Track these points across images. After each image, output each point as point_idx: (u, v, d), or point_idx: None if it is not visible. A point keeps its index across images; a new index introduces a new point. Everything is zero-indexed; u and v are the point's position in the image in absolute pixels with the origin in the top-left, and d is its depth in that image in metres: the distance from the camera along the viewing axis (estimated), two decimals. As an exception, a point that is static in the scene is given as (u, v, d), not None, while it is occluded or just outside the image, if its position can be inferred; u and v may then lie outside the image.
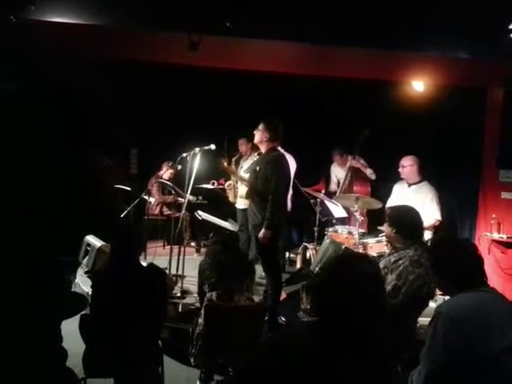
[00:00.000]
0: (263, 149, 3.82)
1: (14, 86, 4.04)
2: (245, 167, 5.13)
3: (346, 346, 1.37)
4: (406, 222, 2.82)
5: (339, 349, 1.36)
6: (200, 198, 6.04)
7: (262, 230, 3.58)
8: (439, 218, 4.24)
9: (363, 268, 1.49)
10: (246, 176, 4.00)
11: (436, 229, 4.30)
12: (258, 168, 3.74)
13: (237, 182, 5.55)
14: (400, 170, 4.46)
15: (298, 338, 1.49)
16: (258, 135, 3.78)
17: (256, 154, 5.31)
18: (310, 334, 1.48)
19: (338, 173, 5.85)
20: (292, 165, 4.52)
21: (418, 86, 4.67)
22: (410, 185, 4.44)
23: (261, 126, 3.77)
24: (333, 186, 5.90)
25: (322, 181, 6.22)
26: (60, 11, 3.30)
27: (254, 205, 3.74)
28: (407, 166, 4.40)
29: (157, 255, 5.09)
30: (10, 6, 3.22)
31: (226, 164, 4.27)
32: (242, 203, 5.47)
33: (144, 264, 2.90)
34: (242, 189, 4.98)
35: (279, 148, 3.86)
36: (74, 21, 3.32)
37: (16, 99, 4.34)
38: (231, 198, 5.75)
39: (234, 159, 5.37)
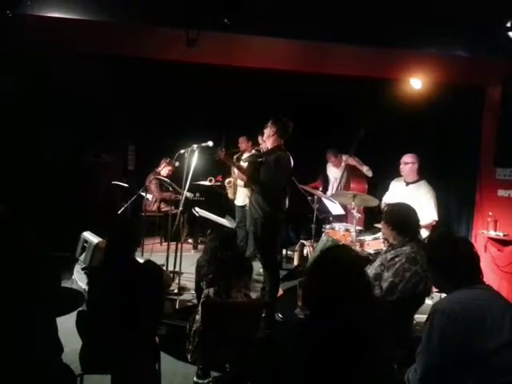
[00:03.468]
0: (269, 144, 3.80)
1: (10, 81, 4.03)
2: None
3: (335, 340, 1.38)
4: (403, 219, 2.83)
5: (329, 343, 1.38)
6: (197, 194, 6.03)
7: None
8: (436, 218, 4.25)
9: (344, 259, 1.52)
10: (245, 165, 3.99)
11: (433, 228, 4.31)
12: (261, 159, 3.73)
13: (236, 179, 5.54)
14: (401, 166, 4.46)
15: (292, 337, 1.50)
16: (266, 130, 3.80)
17: (254, 150, 5.31)
18: (301, 331, 1.49)
19: (334, 173, 5.88)
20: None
21: (416, 84, 4.67)
22: (407, 183, 4.44)
23: (269, 122, 3.78)
24: (331, 188, 5.92)
25: (319, 178, 6.24)
26: (57, 6, 3.27)
27: (254, 199, 3.74)
28: (409, 163, 4.40)
29: (154, 252, 5.09)
30: (6, 0, 3.19)
31: (223, 154, 4.15)
32: (240, 200, 5.47)
33: (141, 260, 2.90)
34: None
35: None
36: (70, 16, 3.30)
37: (13, 95, 4.32)
38: (230, 195, 5.76)
39: (235, 157, 5.34)
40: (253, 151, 5.35)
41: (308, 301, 1.52)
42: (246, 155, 5.19)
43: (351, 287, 1.43)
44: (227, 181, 5.82)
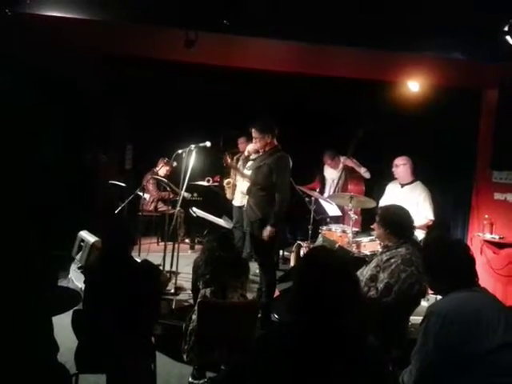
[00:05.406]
0: (268, 147, 3.76)
1: (9, 80, 4.01)
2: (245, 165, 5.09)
3: (318, 340, 1.39)
4: (398, 221, 2.83)
5: (312, 342, 1.39)
6: (195, 194, 6.04)
7: (268, 228, 3.53)
8: (432, 217, 4.28)
9: (324, 261, 1.53)
10: (249, 173, 3.97)
11: (429, 228, 4.33)
12: (260, 164, 3.74)
13: (236, 180, 5.54)
14: (394, 169, 4.50)
15: (282, 335, 1.51)
16: (259, 141, 3.70)
17: (254, 152, 5.30)
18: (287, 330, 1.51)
19: (331, 174, 5.89)
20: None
21: (414, 86, 4.69)
22: (403, 185, 4.47)
23: (257, 134, 3.69)
24: (328, 189, 5.93)
25: (316, 179, 6.25)
26: (56, 5, 3.27)
27: (252, 201, 3.74)
28: (400, 165, 4.44)
29: (151, 251, 5.09)
30: (5, -1, 3.19)
31: (229, 160, 4.07)
32: (238, 201, 5.47)
33: (138, 260, 2.90)
34: (243, 185, 4.95)
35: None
36: (70, 15, 3.30)
37: (11, 94, 4.30)
38: (229, 196, 5.76)
39: (235, 157, 5.33)
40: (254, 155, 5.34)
41: (291, 304, 1.54)
42: (250, 163, 5.16)
43: (331, 289, 1.44)
44: (226, 181, 5.82)
